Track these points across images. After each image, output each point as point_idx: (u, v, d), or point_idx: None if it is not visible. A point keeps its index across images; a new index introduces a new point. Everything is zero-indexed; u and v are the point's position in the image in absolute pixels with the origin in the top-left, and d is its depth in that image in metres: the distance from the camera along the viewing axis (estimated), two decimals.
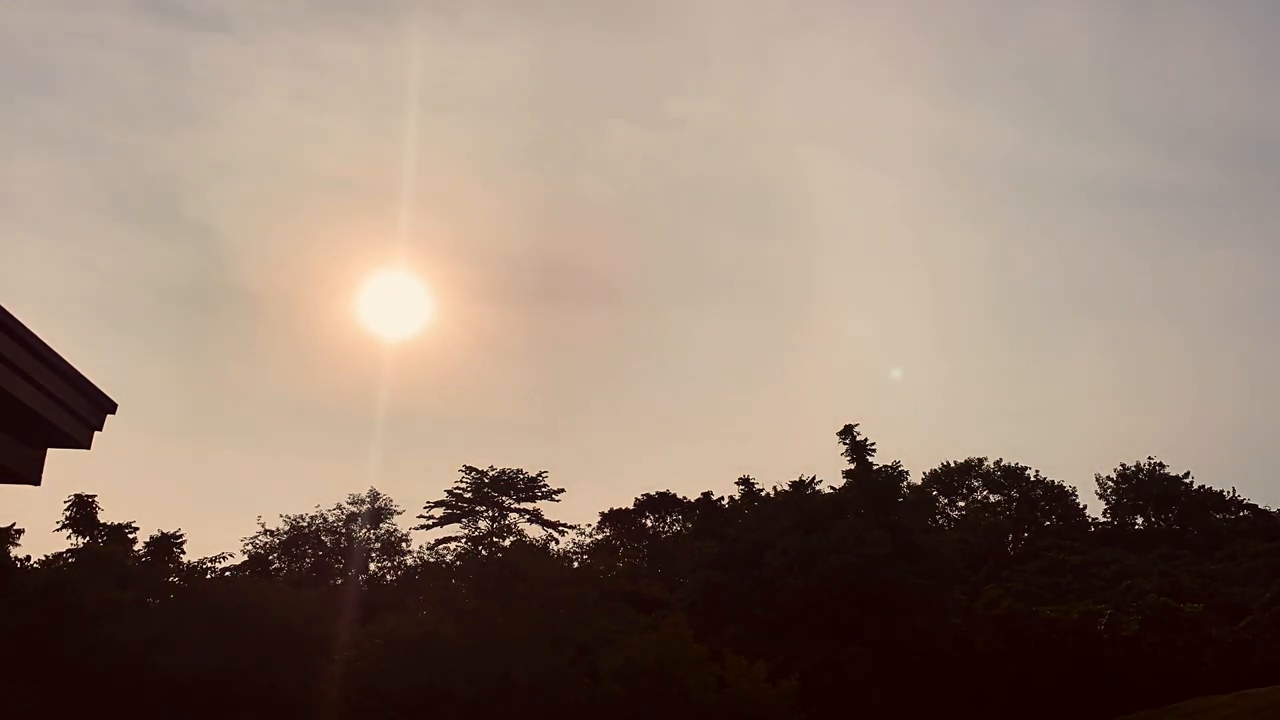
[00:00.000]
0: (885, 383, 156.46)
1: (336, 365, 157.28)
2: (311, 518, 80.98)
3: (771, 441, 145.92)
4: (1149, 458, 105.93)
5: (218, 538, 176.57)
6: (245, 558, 76.03)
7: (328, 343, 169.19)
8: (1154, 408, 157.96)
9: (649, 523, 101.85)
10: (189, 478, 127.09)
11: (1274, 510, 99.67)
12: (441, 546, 70.53)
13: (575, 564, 73.00)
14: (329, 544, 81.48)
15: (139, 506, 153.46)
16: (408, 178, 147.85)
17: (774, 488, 79.20)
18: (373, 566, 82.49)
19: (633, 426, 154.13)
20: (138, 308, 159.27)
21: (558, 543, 75.10)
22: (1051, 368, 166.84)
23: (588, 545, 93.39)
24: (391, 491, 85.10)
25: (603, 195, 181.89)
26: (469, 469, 69.05)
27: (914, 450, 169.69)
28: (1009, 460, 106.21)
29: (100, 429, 7.76)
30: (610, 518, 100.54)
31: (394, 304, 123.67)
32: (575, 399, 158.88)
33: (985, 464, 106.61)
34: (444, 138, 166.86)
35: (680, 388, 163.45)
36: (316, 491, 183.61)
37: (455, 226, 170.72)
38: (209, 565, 64.04)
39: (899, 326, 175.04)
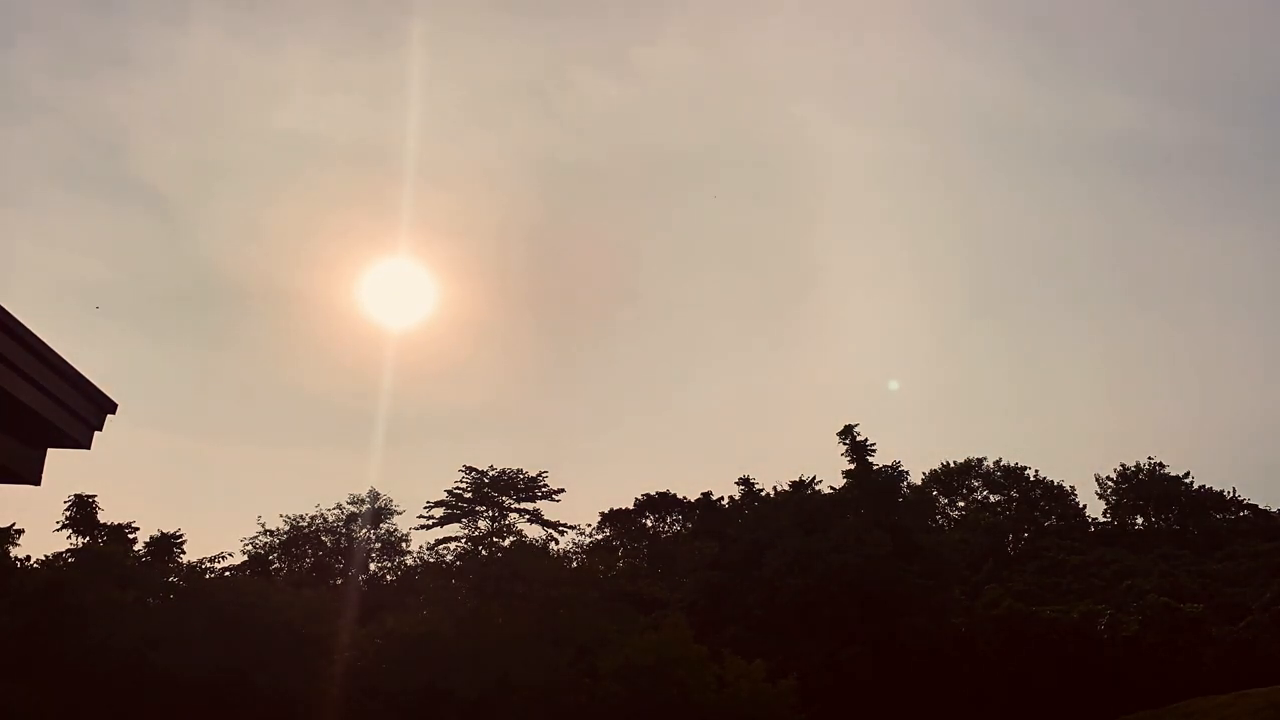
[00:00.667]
0: (884, 382, 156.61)
1: (324, 355, 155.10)
2: (311, 518, 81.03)
3: (771, 441, 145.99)
4: (1149, 458, 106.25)
5: (218, 538, 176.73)
6: (245, 558, 76.04)
7: (317, 331, 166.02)
8: (1154, 407, 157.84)
9: (649, 523, 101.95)
10: (189, 477, 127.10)
11: (1274, 510, 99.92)
12: (441, 546, 70.44)
13: (575, 564, 72.94)
14: (329, 544, 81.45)
15: (139, 506, 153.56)
16: (377, 137, 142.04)
17: (774, 488, 79.29)
18: (373, 566, 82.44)
19: (631, 424, 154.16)
20: (122, 297, 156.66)
21: (557, 543, 75.07)
22: (1052, 366, 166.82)
23: (587, 545, 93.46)
24: (391, 491, 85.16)
25: (582, 158, 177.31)
26: (469, 469, 69.02)
27: (914, 450, 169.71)
28: (1009, 460, 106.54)
29: (100, 429, 7.75)
30: (610, 518, 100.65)
31: (382, 288, 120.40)
32: (575, 394, 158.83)
33: (985, 464, 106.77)
34: (405, 91, 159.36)
35: (680, 383, 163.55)
36: (317, 489, 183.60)
37: (440, 195, 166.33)
38: (209, 565, 63.95)
39: (897, 322, 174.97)
